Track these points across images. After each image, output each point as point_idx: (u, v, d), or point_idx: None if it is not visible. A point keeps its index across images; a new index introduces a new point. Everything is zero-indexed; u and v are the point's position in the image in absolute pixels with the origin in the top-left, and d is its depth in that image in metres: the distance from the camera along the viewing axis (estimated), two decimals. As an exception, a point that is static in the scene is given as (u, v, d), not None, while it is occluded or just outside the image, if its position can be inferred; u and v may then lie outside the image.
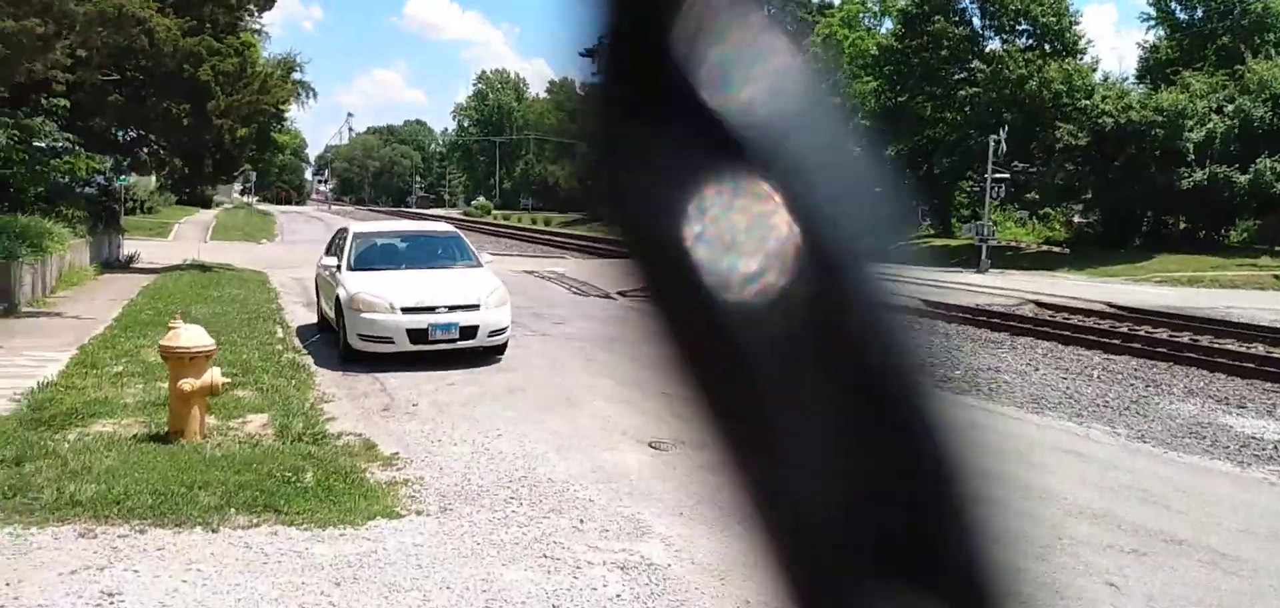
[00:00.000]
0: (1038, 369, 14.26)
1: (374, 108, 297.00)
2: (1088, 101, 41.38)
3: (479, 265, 12.31)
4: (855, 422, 0.38)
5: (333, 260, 12.13)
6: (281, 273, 23.88)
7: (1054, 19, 43.34)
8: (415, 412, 8.76)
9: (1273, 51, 44.25)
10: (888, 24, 53.56)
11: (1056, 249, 43.25)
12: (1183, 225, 43.06)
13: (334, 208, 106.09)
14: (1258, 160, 39.55)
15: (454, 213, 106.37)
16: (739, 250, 0.37)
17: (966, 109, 44.16)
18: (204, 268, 22.35)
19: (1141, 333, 19.02)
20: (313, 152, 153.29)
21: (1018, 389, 12.41)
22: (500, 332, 11.15)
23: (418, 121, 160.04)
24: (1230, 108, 41.35)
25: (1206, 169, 39.99)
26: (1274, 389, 13.38)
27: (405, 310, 10.71)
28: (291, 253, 32.84)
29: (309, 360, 11.24)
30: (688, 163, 0.38)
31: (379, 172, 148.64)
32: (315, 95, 44.02)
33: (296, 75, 20.76)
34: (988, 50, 44.29)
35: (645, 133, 0.38)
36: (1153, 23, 50.72)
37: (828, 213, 0.38)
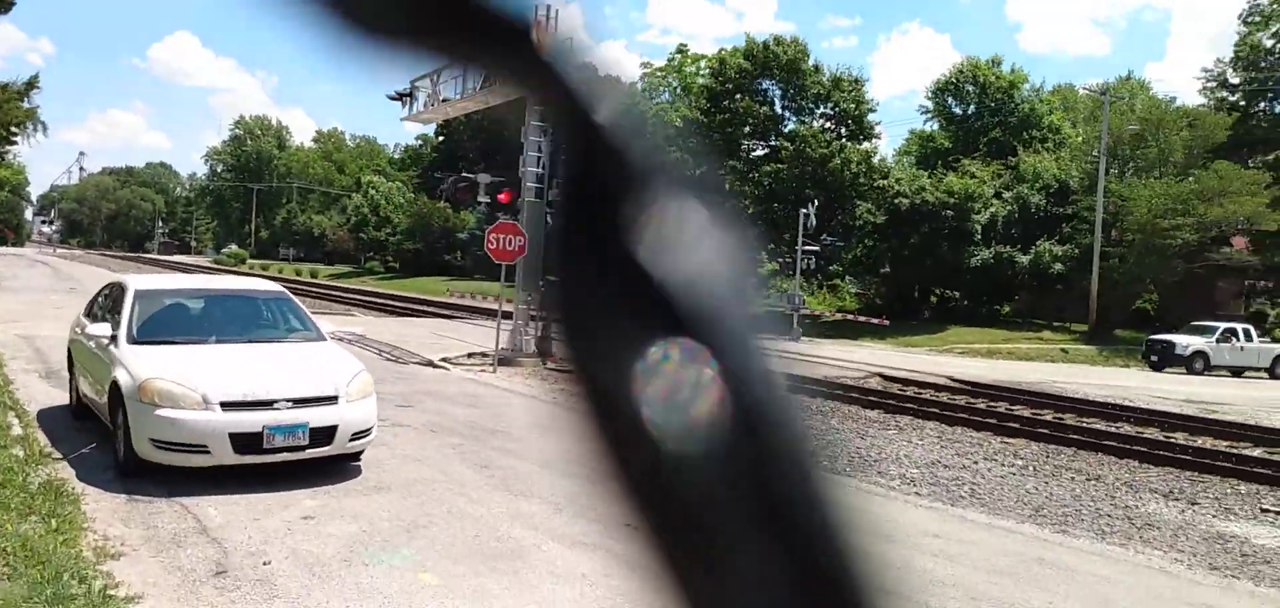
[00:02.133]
0: (976, 463, 12.57)
1: (110, 150, 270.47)
2: (883, 182, 42.46)
3: (321, 338, 8.99)
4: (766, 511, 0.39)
5: (103, 328, 8.42)
6: (2, 328, 18.82)
7: (854, 105, 44.39)
8: (270, 578, 5.51)
9: (1039, 146, 47.55)
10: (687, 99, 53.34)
11: (850, 317, 43.76)
12: (964, 300, 44.87)
13: (59, 251, 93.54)
14: (1038, 243, 41.89)
15: (202, 260, 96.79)
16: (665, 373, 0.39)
17: (768, 184, 44.16)
18: (-109, 324, 17.00)
19: (1018, 413, 18.18)
20: (35, 191, 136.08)
21: (972, 488, 10.60)
22: (364, 433, 7.94)
23: (162, 164, 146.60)
24: (1009, 194, 43.76)
25: (992, 248, 41.89)
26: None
27: (227, 407, 7.28)
28: (15, 303, 26.87)
29: (70, 475, 7.53)
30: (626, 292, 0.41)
31: (114, 215, 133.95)
32: (45, 129, 37.68)
33: (35, 97, 16.22)
34: (789, 129, 44.67)
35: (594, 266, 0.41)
36: (929, 115, 53.62)
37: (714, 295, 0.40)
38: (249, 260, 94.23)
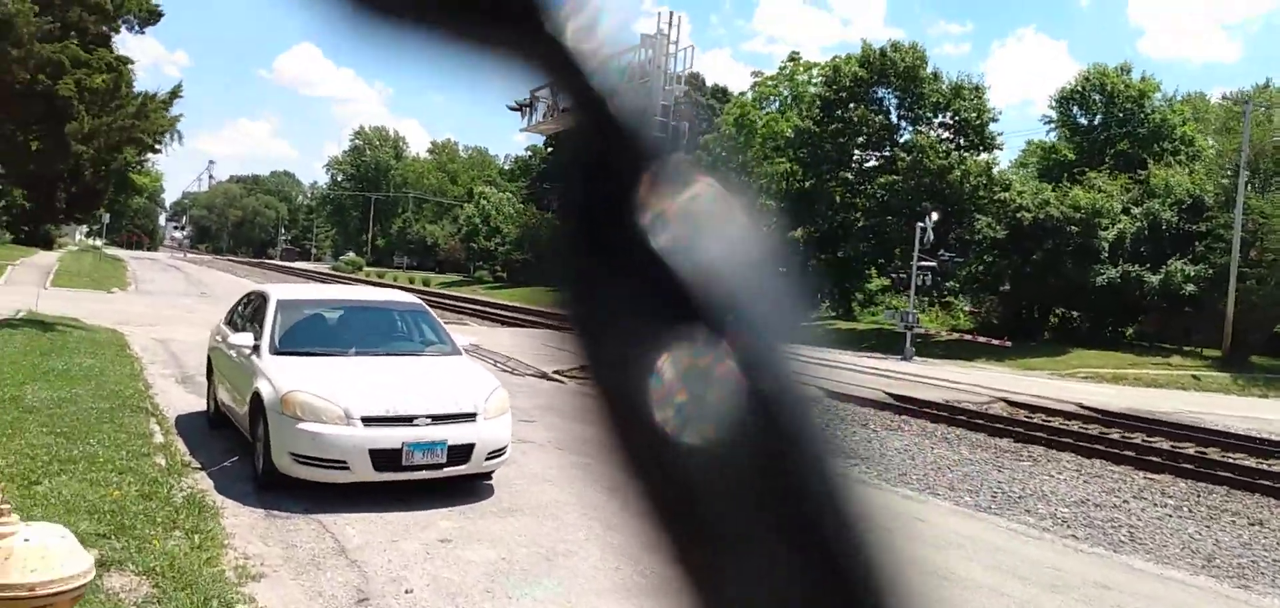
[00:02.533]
0: (1126, 502, 11.69)
1: (238, 157, 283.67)
2: (1005, 195, 40.93)
3: (457, 351, 8.91)
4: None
5: (245, 338, 8.51)
6: (140, 332, 19.57)
7: (975, 115, 42.93)
8: (414, 606, 5.36)
9: (1171, 159, 45.14)
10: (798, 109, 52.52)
11: (965, 337, 42.24)
12: (1086, 322, 42.75)
13: (189, 256, 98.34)
14: (1169, 262, 39.70)
15: (321, 267, 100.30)
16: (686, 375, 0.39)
17: (881, 196, 43.05)
18: (44, 324, 17.85)
19: (1157, 446, 17.09)
20: (168, 197, 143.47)
21: (1130, 531, 9.82)
22: (499, 453, 7.80)
23: (285, 173, 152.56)
24: (1137, 210, 41.62)
25: (1119, 267, 39.89)
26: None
27: (368, 421, 7.23)
28: (151, 307, 28.06)
29: (209, 486, 7.60)
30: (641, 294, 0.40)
31: (240, 221, 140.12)
32: (181, 138, 39.63)
33: (176, 107, 16.85)
34: (905, 139, 43.49)
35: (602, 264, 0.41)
36: (1052, 125, 51.51)
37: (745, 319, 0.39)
38: (365, 268, 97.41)
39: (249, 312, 9.48)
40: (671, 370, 0.38)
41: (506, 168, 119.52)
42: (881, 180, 42.73)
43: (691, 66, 26.66)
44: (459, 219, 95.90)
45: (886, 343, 40.22)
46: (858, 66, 43.66)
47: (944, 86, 43.18)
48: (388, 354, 8.53)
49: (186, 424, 10.12)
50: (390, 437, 7.20)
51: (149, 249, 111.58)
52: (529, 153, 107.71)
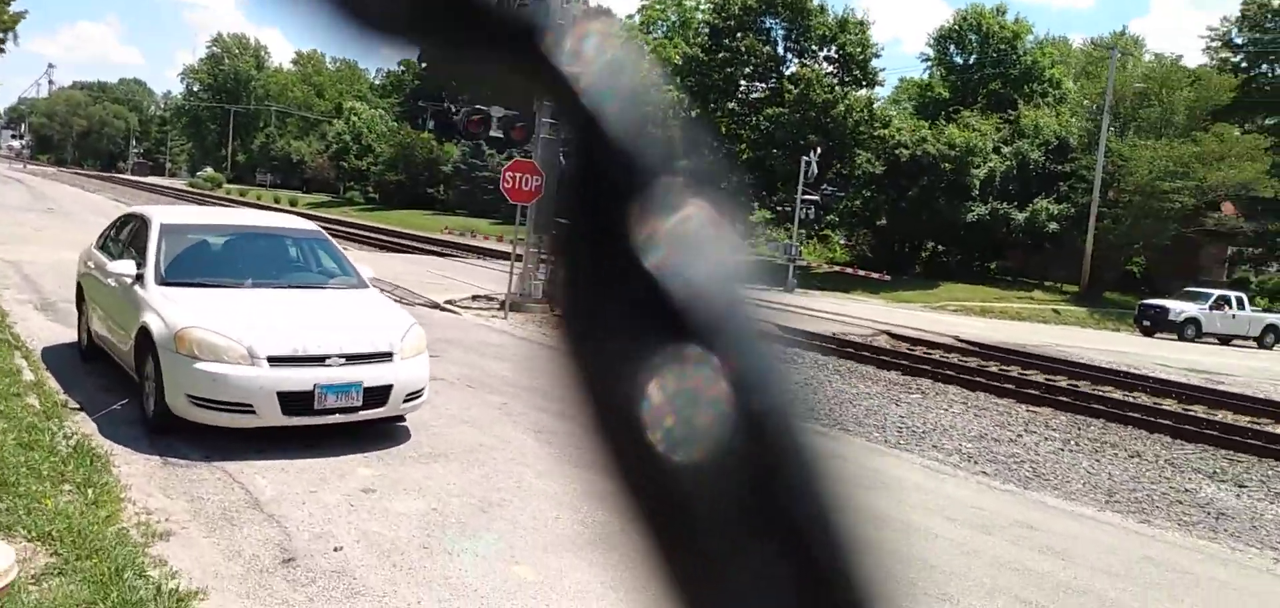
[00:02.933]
0: (1020, 437, 12.07)
1: (78, 63, 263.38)
2: (885, 131, 41.82)
3: (363, 284, 8.29)
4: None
5: (125, 266, 7.69)
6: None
7: (859, 49, 43.47)
8: (346, 568, 4.91)
9: (1040, 100, 47.00)
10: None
11: (842, 269, 43.29)
12: (956, 256, 44.47)
13: (30, 167, 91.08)
14: (1035, 200, 41.52)
15: (177, 183, 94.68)
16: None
17: (766, 127, 43.33)
18: None
19: (1033, 379, 17.82)
20: (1, 103, 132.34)
21: (1032, 467, 10.13)
22: (417, 395, 7.30)
23: (135, 81, 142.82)
24: (1008, 149, 43.26)
25: (989, 204, 41.47)
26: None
27: (275, 361, 6.61)
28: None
29: (92, 431, 6.86)
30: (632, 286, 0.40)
31: (86, 132, 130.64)
32: (16, 38, 35.93)
33: (16, 4, 14.98)
34: (790, 71, 43.71)
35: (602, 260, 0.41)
36: (929, 63, 52.80)
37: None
38: (225, 185, 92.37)
39: (127, 236, 8.60)
40: (655, 367, 0.39)
41: (377, 82, 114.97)
42: (767, 112, 42.96)
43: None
44: (328, 136, 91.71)
45: (767, 275, 40.77)
46: (746, -6, 43.49)
47: (830, 20, 43.48)
48: (289, 286, 7.85)
49: (56, 358, 9.19)
50: (300, 378, 6.62)
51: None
52: (402, 68, 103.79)
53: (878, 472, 8.49)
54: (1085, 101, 44.59)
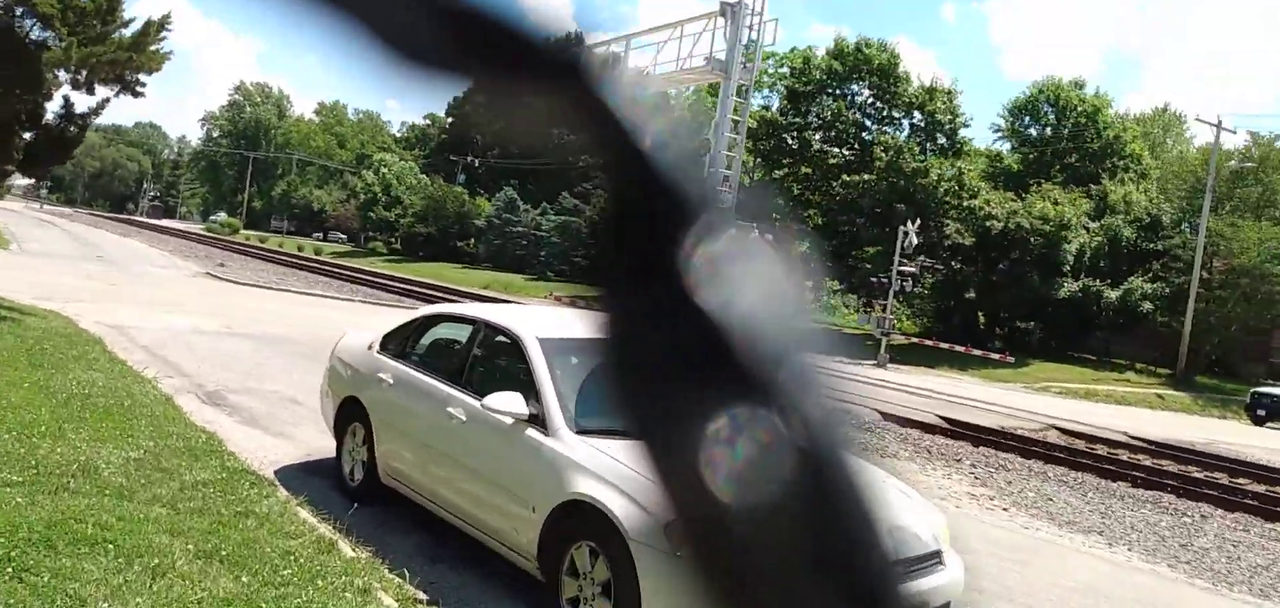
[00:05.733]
0: None
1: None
2: (973, 202, 39.96)
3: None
4: None
5: (509, 400, 5.41)
6: (85, 311, 15.58)
7: (947, 117, 41.79)
8: None
9: (1123, 176, 45.28)
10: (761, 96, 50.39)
11: (923, 341, 41.06)
12: (1041, 333, 42.30)
13: (46, 209, 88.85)
14: (1130, 279, 39.58)
15: (192, 227, 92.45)
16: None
17: (845, 194, 41.44)
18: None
19: (1244, 486, 15.63)
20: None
21: None
22: None
23: (151, 124, 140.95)
24: (1095, 225, 41.43)
25: (1080, 280, 39.53)
26: None
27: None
28: (56, 275, 23.50)
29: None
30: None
31: (98, 173, 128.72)
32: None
33: (164, 44, 12.86)
34: (884, 138, 41.93)
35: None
36: (1001, 134, 51.17)
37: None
38: (240, 229, 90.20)
39: (456, 350, 6.36)
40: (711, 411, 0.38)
41: (400, 134, 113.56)
42: (847, 179, 41.07)
43: (775, 41, 23.69)
44: (354, 186, 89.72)
45: (837, 345, 38.57)
46: (833, 59, 41.82)
47: (917, 87, 41.82)
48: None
49: (306, 488, 6.86)
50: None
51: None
52: (427, 122, 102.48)
53: None
54: (1178, 177, 42.77)
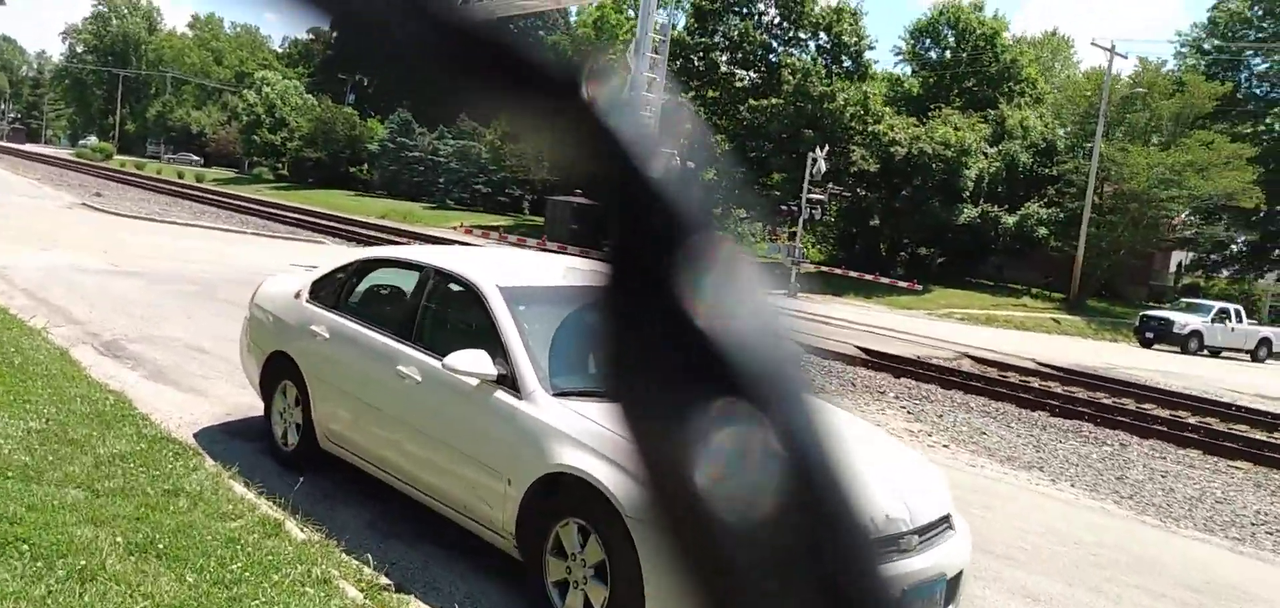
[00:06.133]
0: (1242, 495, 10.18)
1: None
2: (878, 128, 40.20)
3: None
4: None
5: (476, 360, 4.81)
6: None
7: (853, 40, 41.67)
8: None
9: (1020, 101, 46.22)
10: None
11: (832, 271, 41.53)
12: (940, 258, 43.22)
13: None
14: (1026, 204, 40.62)
15: (60, 152, 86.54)
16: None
17: (753, 119, 41.13)
18: None
19: (1150, 412, 16.19)
20: None
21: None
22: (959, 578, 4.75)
23: (5, 38, 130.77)
24: (993, 150, 42.26)
25: (979, 207, 40.38)
26: None
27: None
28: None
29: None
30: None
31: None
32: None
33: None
34: (790, 59, 41.56)
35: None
36: (902, 57, 51.59)
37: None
38: (114, 155, 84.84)
39: (403, 301, 5.71)
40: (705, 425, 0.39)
41: (282, 50, 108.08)
42: (754, 103, 40.77)
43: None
44: (236, 107, 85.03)
45: (771, 279, 38.66)
46: (737, -24, 41.12)
47: (824, 6, 41.55)
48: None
49: (234, 455, 6.15)
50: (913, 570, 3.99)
51: None
52: (310, 36, 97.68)
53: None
54: (1072, 101, 43.87)
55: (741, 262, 0.40)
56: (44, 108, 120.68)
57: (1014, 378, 18.83)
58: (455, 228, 42.74)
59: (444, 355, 4.90)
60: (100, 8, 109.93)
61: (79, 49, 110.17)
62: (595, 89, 0.41)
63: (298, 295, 6.35)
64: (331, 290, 6.16)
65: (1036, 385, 18.23)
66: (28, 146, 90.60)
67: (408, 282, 5.78)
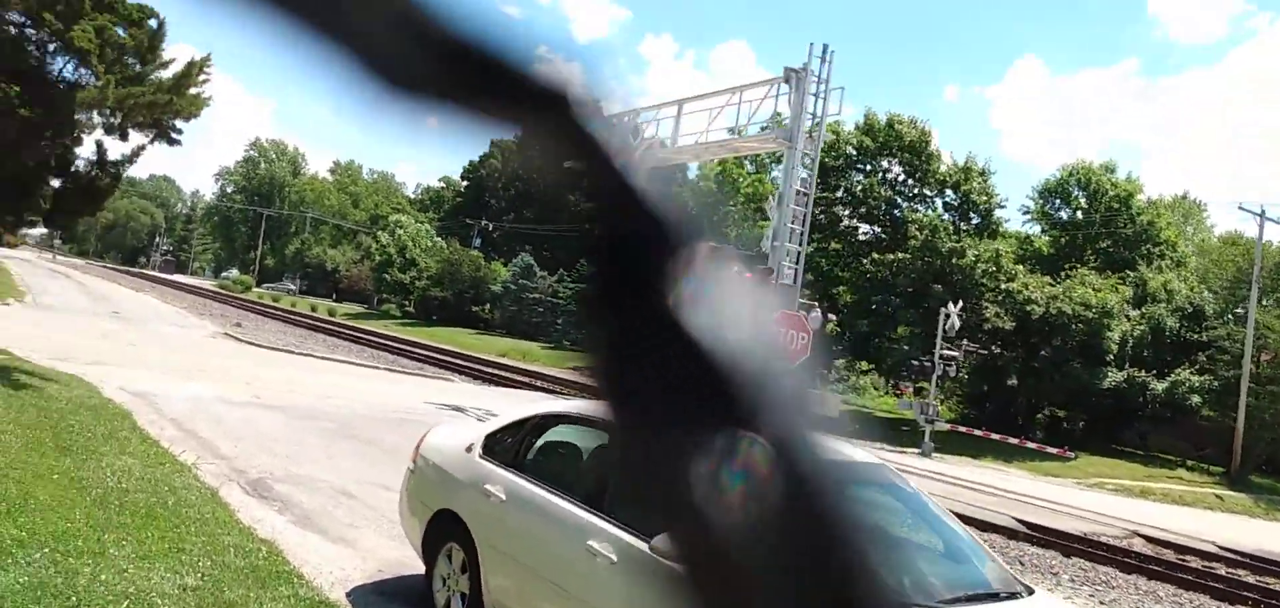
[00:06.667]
0: None
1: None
2: (1011, 285, 38.78)
3: (1029, 591, 4.80)
4: None
5: (627, 538, 4.21)
6: (107, 376, 14.44)
7: (983, 198, 40.82)
8: None
9: (1159, 263, 44.15)
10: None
11: (967, 430, 39.51)
12: (1081, 425, 40.75)
13: (57, 258, 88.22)
14: (1176, 370, 38.23)
15: (203, 282, 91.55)
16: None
17: (877, 273, 40.27)
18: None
19: None
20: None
21: None
22: None
23: (165, 178, 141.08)
24: (1136, 313, 40.21)
25: (1124, 370, 38.18)
26: None
27: None
28: (74, 332, 22.40)
29: None
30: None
31: (111, 225, 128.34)
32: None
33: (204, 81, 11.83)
34: (916, 215, 40.91)
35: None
36: (1031, 217, 50.20)
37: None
38: (253, 287, 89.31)
39: (599, 468, 5.16)
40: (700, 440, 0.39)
41: (414, 196, 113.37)
42: (879, 257, 39.99)
43: (841, 111, 22.89)
44: (370, 247, 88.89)
45: (872, 429, 37.27)
46: (862, 134, 41.02)
47: (952, 165, 40.94)
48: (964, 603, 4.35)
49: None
50: None
51: (7, 245, 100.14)
52: (441, 184, 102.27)
53: None
54: (1217, 265, 41.60)
55: (738, 277, 0.40)
56: (193, 242, 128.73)
57: (1195, 562, 17.04)
58: (572, 368, 42.75)
59: (648, 534, 4.29)
60: (251, 152, 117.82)
61: (229, 189, 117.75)
62: (583, 103, 0.40)
63: (469, 449, 5.88)
64: (509, 446, 5.66)
65: (1223, 573, 16.38)
66: (176, 277, 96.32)
67: (595, 442, 5.23)
